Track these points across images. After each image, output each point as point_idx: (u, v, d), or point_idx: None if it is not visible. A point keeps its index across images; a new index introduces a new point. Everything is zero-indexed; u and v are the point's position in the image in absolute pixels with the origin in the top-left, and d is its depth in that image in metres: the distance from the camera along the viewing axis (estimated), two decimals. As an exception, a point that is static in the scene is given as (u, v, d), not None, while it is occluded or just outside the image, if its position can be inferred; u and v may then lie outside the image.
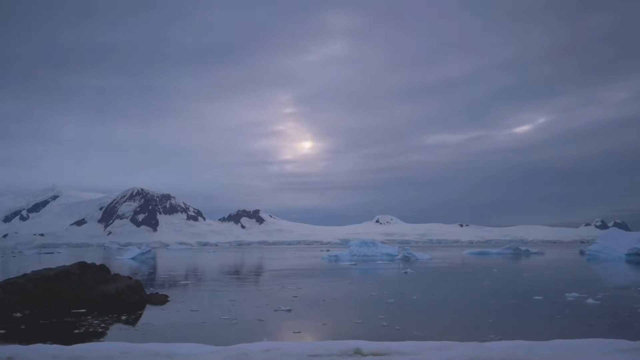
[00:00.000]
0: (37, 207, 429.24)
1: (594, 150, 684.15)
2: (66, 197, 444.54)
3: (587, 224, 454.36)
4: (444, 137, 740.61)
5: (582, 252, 78.32)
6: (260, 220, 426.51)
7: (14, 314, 15.93)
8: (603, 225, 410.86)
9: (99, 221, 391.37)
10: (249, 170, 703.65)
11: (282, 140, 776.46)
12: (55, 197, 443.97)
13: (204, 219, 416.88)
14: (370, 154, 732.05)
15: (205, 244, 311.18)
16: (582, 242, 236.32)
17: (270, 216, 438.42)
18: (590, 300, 18.23)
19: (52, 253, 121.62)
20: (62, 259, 72.36)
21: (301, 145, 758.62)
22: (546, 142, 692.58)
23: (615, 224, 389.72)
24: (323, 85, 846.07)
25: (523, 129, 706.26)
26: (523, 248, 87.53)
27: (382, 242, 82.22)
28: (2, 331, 13.40)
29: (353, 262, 52.44)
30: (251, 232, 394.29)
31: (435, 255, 71.90)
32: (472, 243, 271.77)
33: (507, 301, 19.31)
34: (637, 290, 22.78)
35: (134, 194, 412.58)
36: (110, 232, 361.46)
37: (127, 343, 8.87)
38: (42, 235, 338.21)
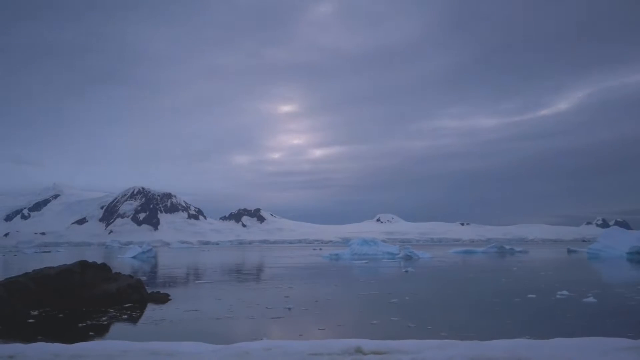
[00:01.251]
0: (38, 206, 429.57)
1: (598, 145, 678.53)
2: (67, 196, 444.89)
3: (589, 223, 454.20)
4: (446, 123, 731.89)
5: (569, 251, 78.61)
6: (261, 219, 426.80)
7: (16, 313, 15.95)
8: (604, 224, 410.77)
9: (100, 220, 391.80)
10: (248, 168, 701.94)
11: (281, 135, 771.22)
12: (56, 196, 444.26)
13: (205, 217, 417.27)
14: (370, 149, 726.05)
15: (206, 243, 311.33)
16: (584, 240, 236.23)
17: (271, 215, 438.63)
18: (590, 299, 18.25)
19: (49, 252, 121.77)
20: (64, 257, 72.47)
21: (299, 140, 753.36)
22: (549, 135, 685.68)
23: (617, 223, 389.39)
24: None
25: (529, 116, 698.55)
26: (507, 247, 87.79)
27: (383, 241, 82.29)
28: (4, 330, 13.44)
29: (366, 261, 52.37)
30: (252, 230, 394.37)
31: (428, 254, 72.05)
32: (473, 242, 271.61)
33: (511, 299, 19.32)
34: (635, 288, 22.80)
35: (134, 192, 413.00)
36: (111, 231, 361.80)
37: (129, 342, 8.89)
38: (43, 234, 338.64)
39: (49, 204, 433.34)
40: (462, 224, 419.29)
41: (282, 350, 7.11)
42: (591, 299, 18.20)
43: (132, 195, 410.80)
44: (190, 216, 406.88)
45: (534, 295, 19.94)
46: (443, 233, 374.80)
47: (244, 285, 28.65)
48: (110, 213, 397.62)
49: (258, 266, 50.03)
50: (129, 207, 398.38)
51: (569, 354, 7.38)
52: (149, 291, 20.62)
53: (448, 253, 79.78)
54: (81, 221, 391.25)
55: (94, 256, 63.67)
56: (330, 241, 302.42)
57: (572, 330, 12.32)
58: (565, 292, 20.13)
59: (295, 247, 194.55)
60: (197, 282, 30.01)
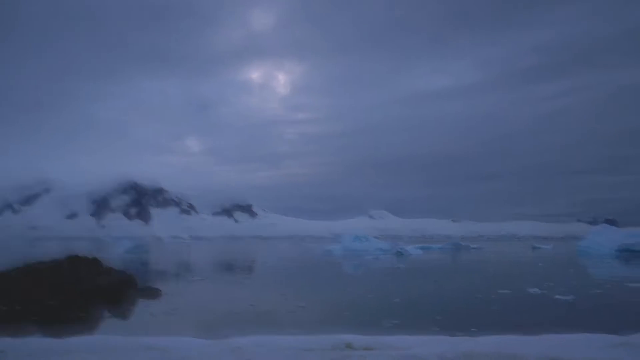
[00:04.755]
0: (28, 200, 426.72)
1: (586, 141, 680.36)
2: (57, 190, 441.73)
3: (579, 220, 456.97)
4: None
5: (534, 248, 79.45)
6: (253, 215, 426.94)
7: (5, 308, 15.87)
8: (594, 222, 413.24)
9: (92, 214, 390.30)
10: (240, 165, 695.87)
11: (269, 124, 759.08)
12: (46, 190, 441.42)
13: (197, 212, 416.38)
14: (361, 141, 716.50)
15: (199, 238, 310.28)
16: (573, 237, 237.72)
17: (263, 210, 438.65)
18: (570, 297, 18.39)
19: (40, 246, 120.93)
20: (55, 252, 72.01)
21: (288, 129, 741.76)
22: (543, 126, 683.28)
23: (606, 221, 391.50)
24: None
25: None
26: (463, 244, 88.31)
27: (375, 237, 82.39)
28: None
29: (376, 256, 52.52)
30: (244, 226, 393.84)
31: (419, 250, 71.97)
32: (464, 238, 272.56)
33: (496, 296, 19.45)
34: (621, 285, 23.06)
35: (126, 187, 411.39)
36: (103, 226, 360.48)
37: (120, 337, 8.87)
38: (34, 228, 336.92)
39: (39, 198, 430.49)
40: (454, 221, 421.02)
41: (274, 346, 7.14)
42: (571, 297, 18.35)
43: (124, 190, 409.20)
44: (182, 211, 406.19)
45: (509, 291, 20.16)
46: (435, 229, 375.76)
47: (235, 280, 28.67)
48: (101, 207, 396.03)
49: (250, 262, 50.05)
50: (120, 201, 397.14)
51: (559, 349, 7.46)
52: (141, 286, 20.56)
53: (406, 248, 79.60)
54: (72, 215, 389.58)
55: (85, 250, 63.31)
56: (322, 237, 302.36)
57: (561, 326, 12.45)
58: (546, 289, 20.34)
59: (285, 242, 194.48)
60: (189, 277, 29.95)
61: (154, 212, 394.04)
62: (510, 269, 36.05)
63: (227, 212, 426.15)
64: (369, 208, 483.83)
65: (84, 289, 18.63)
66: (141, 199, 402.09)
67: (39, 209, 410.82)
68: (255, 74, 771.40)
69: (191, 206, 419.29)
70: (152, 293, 20.06)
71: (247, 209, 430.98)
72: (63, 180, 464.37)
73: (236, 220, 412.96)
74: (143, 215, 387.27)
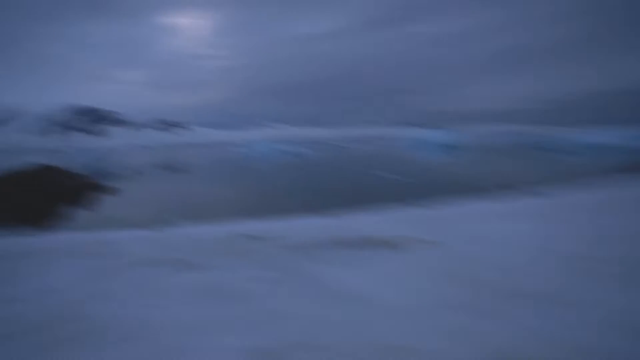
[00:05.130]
0: (1, 122, 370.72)
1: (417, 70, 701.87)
2: (25, 113, 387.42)
3: (406, 124, 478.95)
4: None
5: (379, 145, 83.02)
6: (182, 127, 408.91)
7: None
8: (412, 125, 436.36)
9: (57, 132, 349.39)
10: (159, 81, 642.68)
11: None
12: (14, 114, 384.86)
13: (141, 129, 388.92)
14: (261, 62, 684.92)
15: (146, 147, 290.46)
16: (401, 137, 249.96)
17: (188, 125, 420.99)
18: (400, 178, 19.61)
19: (13, 159, 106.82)
20: (29, 161, 64.10)
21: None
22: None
23: (419, 124, 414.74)
24: None
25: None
26: (336, 144, 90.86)
27: (276, 143, 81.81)
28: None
29: (276, 156, 51.78)
30: (178, 136, 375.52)
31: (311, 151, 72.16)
32: (337, 140, 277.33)
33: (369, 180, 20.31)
34: (436, 168, 24.94)
35: (83, 110, 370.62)
36: (67, 141, 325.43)
37: (82, 233, 8.33)
38: (10, 143, 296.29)
39: (10, 120, 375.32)
40: (331, 128, 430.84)
41: (191, 235, 6.94)
42: (401, 177, 19.58)
43: (81, 113, 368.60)
44: (130, 128, 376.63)
45: (368, 176, 21.14)
46: (318, 135, 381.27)
47: (175, 179, 27.59)
48: (65, 127, 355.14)
49: (185, 164, 48.03)
50: (79, 122, 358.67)
51: (375, 225, 7.79)
52: (102, 186, 19.19)
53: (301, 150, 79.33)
54: (42, 133, 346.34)
55: (54, 160, 56.99)
56: (236, 143, 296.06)
57: (388, 201, 13.32)
58: (388, 173, 21.53)
59: (210, 148, 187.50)
60: (139, 177, 28.31)
61: (109, 129, 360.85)
62: (367, 160, 37.62)
63: (164, 127, 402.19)
64: (270, 121, 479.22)
65: (57, 190, 17.04)
66: (96, 120, 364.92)
67: (11, 129, 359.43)
68: (179, 19, 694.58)
69: (136, 124, 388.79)
70: (111, 191, 18.86)
71: (178, 125, 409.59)
72: (28, 108, 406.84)
73: (173, 133, 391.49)
74: (100, 132, 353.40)
